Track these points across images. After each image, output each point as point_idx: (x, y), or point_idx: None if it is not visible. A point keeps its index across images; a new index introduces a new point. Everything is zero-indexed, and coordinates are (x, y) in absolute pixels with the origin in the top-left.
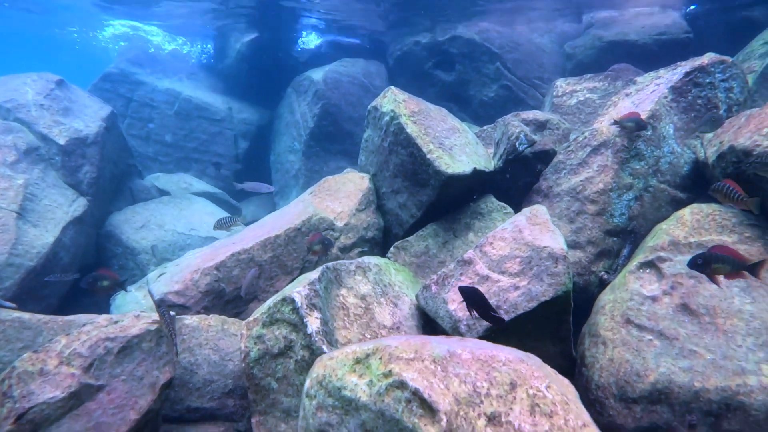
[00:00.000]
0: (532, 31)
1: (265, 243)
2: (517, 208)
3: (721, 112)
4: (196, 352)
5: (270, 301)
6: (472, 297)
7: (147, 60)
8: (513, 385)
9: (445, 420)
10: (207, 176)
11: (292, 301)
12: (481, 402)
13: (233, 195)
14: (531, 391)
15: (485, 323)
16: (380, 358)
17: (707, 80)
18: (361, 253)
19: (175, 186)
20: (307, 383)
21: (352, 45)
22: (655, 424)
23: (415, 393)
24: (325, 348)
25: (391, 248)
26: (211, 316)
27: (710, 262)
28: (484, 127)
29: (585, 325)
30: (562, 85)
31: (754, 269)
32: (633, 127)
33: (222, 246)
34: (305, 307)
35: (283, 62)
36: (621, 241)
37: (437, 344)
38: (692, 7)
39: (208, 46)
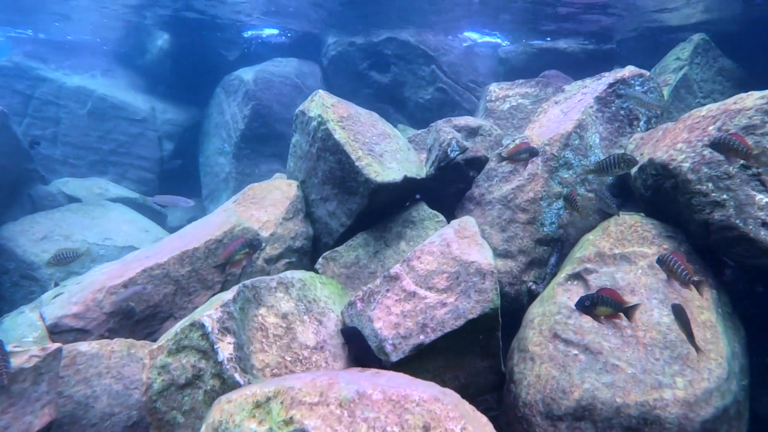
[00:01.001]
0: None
1: (182, 256)
2: (450, 216)
3: (641, 123)
4: (93, 383)
5: (177, 326)
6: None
7: (51, 53)
8: (426, 429)
9: None
10: (128, 179)
11: (202, 326)
12: None
13: None
14: None
15: (412, 343)
16: (281, 402)
17: (628, 92)
18: (289, 264)
19: (87, 192)
20: (203, 430)
21: (285, 44)
22: None
23: None
24: (237, 376)
25: (320, 259)
26: (115, 340)
27: (596, 304)
28: (418, 132)
29: (515, 339)
30: (495, 89)
31: (628, 312)
32: (527, 158)
33: (134, 260)
34: (216, 331)
35: (211, 60)
36: (550, 249)
37: (346, 384)
38: None
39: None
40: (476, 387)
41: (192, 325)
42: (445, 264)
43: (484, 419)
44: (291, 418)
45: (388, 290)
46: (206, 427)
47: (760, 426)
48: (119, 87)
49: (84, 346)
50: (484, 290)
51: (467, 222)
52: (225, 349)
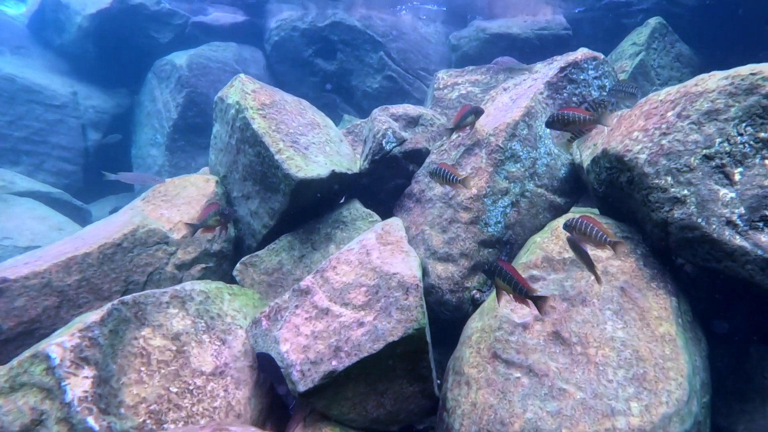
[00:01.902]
0: (417, 19)
1: (68, 263)
2: (388, 214)
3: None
4: None
5: (15, 360)
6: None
7: None
8: None
9: None
10: (45, 171)
11: (47, 357)
12: None
13: (79, 196)
14: None
15: (323, 370)
16: None
17: (581, 77)
18: (206, 270)
19: None
20: None
21: (224, 26)
22: None
23: None
24: (90, 420)
25: (238, 265)
26: None
27: (495, 274)
28: (357, 122)
29: (450, 359)
30: (443, 77)
31: (537, 301)
32: (473, 119)
33: (10, 266)
34: (68, 363)
35: (141, 42)
36: (497, 252)
37: None
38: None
39: (40, 12)
40: (407, 413)
41: (33, 356)
42: (363, 276)
43: None
44: None
45: (297, 306)
46: None
47: None
48: (33, 68)
49: None
50: (407, 308)
51: (392, 225)
52: (77, 385)
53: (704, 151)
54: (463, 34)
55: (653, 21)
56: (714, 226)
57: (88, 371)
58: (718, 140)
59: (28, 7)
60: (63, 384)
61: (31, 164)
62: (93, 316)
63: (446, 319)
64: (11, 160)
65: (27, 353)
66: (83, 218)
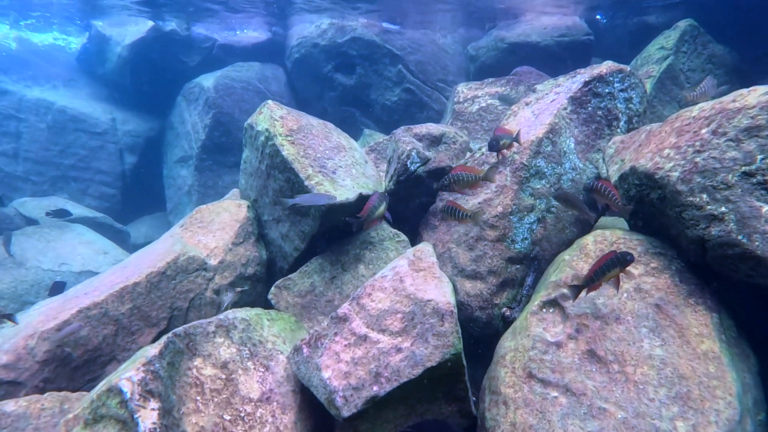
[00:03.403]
0: (434, 31)
1: (121, 293)
2: (414, 233)
3: (621, 123)
4: None
5: (94, 392)
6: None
7: (8, 63)
8: None
9: None
10: (89, 196)
11: (120, 392)
12: None
13: (118, 218)
14: None
15: (364, 396)
16: None
17: (606, 90)
18: (242, 293)
19: (44, 213)
20: None
21: (247, 47)
22: None
23: None
24: None
25: (272, 288)
26: (46, 395)
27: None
28: (380, 140)
29: (485, 378)
30: (463, 90)
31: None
32: (509, 144)
33: (73, 297)
34: (137, 397)
35: (172, 67)
36: (524, 268)
37: None
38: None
39: (87, 46)
40: (446, 429)
41: (109, 390)
42: (398, 302)
43: None
44: None
45: (336, 333)
46: None
47: None
48: (80, 97)
49: (9, 406)
50: (443, 334)
51: (423, 252)
52: (147, 417)
53: (744, 168)
54: (481, 44)
55: (683, 24)
56: (757, 243)
57: (154, 403)
58: (759, 156)
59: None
60: (135, 416)
61: (78, 190)
62: (152, 349)
63: (476, 335)
64: (61, 187)
65: (103, 387)
66: (123, 240)
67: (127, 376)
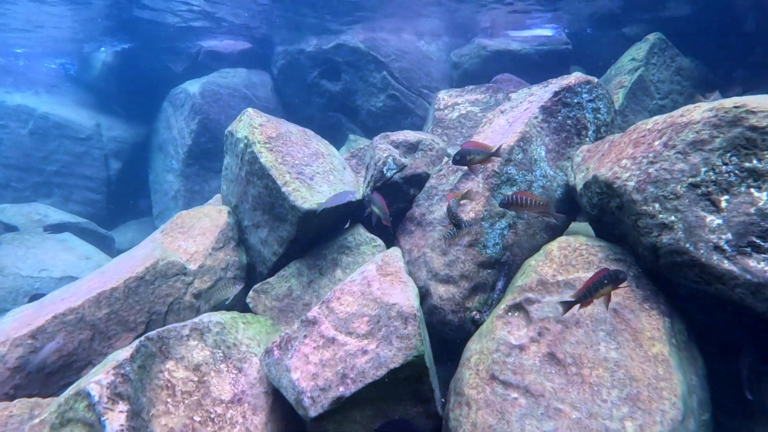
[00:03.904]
0: (419, 38)
1: (98, 298)
2: (391, 238)
3: (590, 132)
4: None
5: (62, 396)
6: None
7: None
8: None
9: None
10: (73, 202)
11: (87, 395)
12: None
13: (104, 224)
14: None
15: (331, 396)
16: None
17: (575, 100)
18: (216, 311)
19: (25, 219)
20: None
21: (233, 54)
22: None
23: None
24: None
25: (250, 292)
26: (15, 401)
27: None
28: (362, 146)
29: (452, 380)
30: (444, 97)
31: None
32: (482, 159)
33: (49, 302)
34: (105, 400)
35: (158, 73)
36: (496, 272)
37: None
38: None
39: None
40: (413, 430)
41: (77, 394)
42: (365, 306)
43: None
44: None
45: (305, 336)
46: None
47: None
48: (64, 104)
49: None
50: (407, 336)
51: (391, 257)
52: (114, 420)
53: (690, 179)
54: (464, 52)
55: (652, 37)
56: (702, 251)
57: (122, 406)
58: (703, 169)
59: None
60: (102, 419)
61: (61, 196)
62: (123, 353)
63: (448, 338)
64: (44, 193)
65: (71, 391)
66: (107, 245)
67: (96, 379)
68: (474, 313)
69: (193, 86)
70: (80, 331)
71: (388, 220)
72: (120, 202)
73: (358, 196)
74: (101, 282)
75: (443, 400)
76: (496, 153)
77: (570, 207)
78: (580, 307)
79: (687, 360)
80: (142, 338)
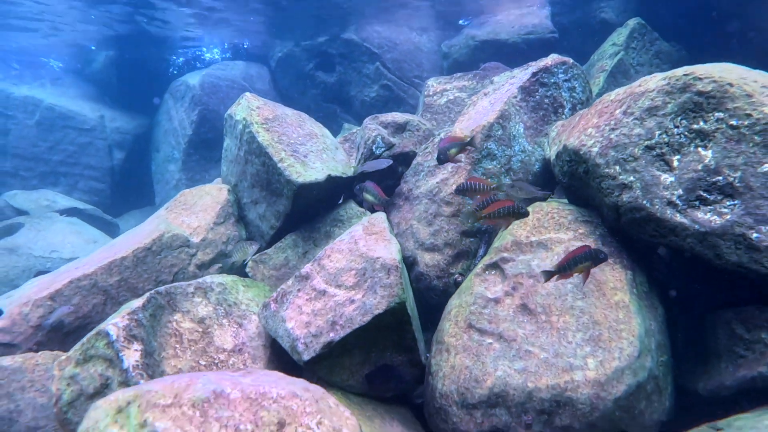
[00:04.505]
0: (410, 29)
1: (110, 266)
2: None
3: (566, 111)
4: (16, 397)
5: (84, 338)
6: None
7: None
8: (281, 425)
9: None
10: (79, 190)
11: (107, 334)
12: None
13: (108, 212)
14: (300, 429)
15: (322, 341)
16: (139, 406)
17: (552, 80)
18: (222, 269)
19: (34, 204)
20: None
21: (232, 47)
22: (495, 427)
23: None
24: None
25: (249, 262)
26: (40, 353)
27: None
28: (354, 130)
29: (435, 332)
30: (433, 84)
31: None
32: (456, 152)
33: (64, 271)
34: (122, 339)
35: (159, 66)
36: (477, 241)
37: (203, 385)
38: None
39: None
40: (397, 381)
41: (98, 334)
42: (353, 261)
43: (347, 413)
44: (145, 420)
45: (299, 290)
46: None
47: (692, 397)
48: (68, 96)
49: (6, 361)
50: (389, 285)
51: (376, 219)
52: (131, 356)
53: (646, 142)
54: (453, 42)
55: (632, 22)
56: (657, 207)
57: (137, 345)
58: (657, 132)
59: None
60: (120, 355)
61: (67, 184)
62: (136, 302)
63: (434, 303)
64: (50, 182)
65: (92, 332)
66: (113, 232)
67: (113, 322)
68: (456, 276)
69: (193, 78)
70: (94, 296)
71: (381, 206)
72: (123, 192)
73: (350, 173)
74: (111, 252)
75: (428, 355)
76: (471, 143)
77: (547, 180)
78: (559, 278)
79: (647, 308)
80: (152, 291)
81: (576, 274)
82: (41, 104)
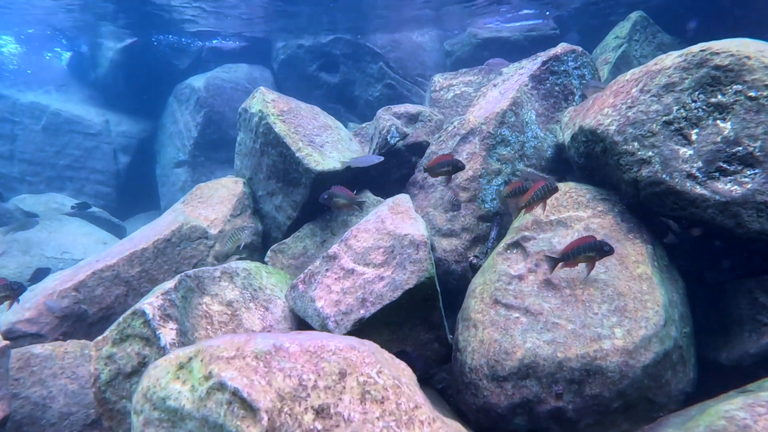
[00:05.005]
0: (412, 30)
1: (131, 257)
2: None
3: (576, 98)
4: (48, 384)
5: (120, 318)
6: None
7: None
8: (342, 374)
9: (266, 418)
10: (85, 194)
11: (143, 313)
12: (308, 395)
13: (115, 213)
14: (361, 379)
15: (353, 318)
16: (201, 360)
17: (562, 68)
18: (239, 260)
19: (44, 207)
20: (134, 398)
21: (235, 50)
22: (526, 398)
23: (235, 393)
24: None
25: (268, 252)
26: (68, 341)
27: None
28: (364, 125)
29: (459, 311)
30: (439, 80)
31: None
32: (449, 171)
33: (85, 264)
34: (158, 318)
35: (163, 70)
36: (492, 224)
37: (263, 339)
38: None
39: (79, 52)
40: (425, 360)
41: (134, 313)
42: (380, 239)
43: (402, 365)
44: (210, 372)
45: (327, 270)
46: (136, 396)
47: (713, 370)
48: (73, 101)
49: (37, 348)
50: (419, 260)
51: (401, 199)
52: (167, 334)
53: (664, 117)
54: (455, 41)
55: (634, 15)
56: (677, 180)
57: (172, 324)
58: (675, 108)
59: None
60: (158, 333)
61: (74, 189)
62: (168, 284)
63: (453, 288)
64: (57, 187)
65: (128, 312)
66: (120, 234)
67: (149, 301)
68: (471, 258)
69: (197, 81)
70: (116, 287)
71: (355, 207)
72: (129, 195)
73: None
74: (132, 245)
75: (451, 336)
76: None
77: (560, 165)
78: (563, 266)
79: (668, 280)
80: (181, 274)
81: (581, 263)
82: (47, 110)
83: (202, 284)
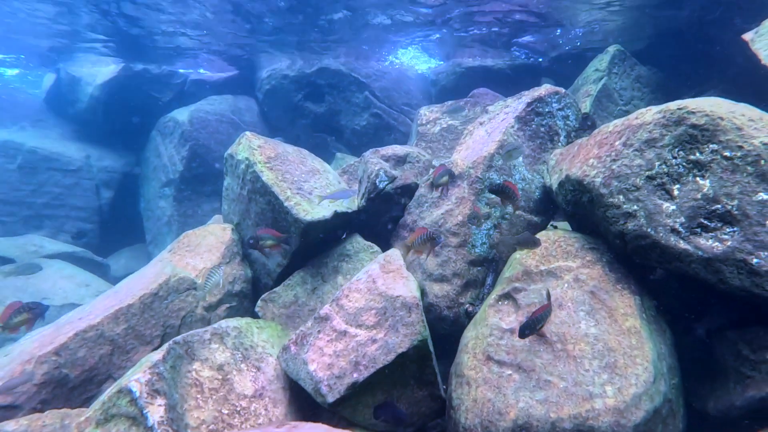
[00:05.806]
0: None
1: (116, 314)
2: (386, 244)
3: (561, 138)
4: None
5: (105, 395)
6: None
7: None
8: None
9: None
10: (65, 232)
11: (129, 392)
12: None
13: (97, 252)
14: None
15: (346, 382)
16: None
17: (546, 109)
18: (230, 309)
19: (20, 251)
20: None
21: (219, 81)
22: None
23: None
24: None
25: (258, 302)
26: (47, 412)
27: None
28: (352, 162)
29: (452, 365)
30: (425, 113)
31: None
32: (447, 180)
33: (67, 323)
34: (145, 395)
35: (145, 104)
36: (485, 269)
37: None
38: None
39: (56, 87)
40: (419, 416)
41: (119, 391)
42: (372, 300)
43: None
44: None
45: (319, 331)
46: None
47: (700, 419)
48: (51, 138)
49: (10, 426)
50: (411, 323)
51: (392, 256)
52: (155, 412)
53: (647, 172)
54: (440, 70)
55: (612, 48)
56: (661, 234)
57: (160, 400)
58: (657, 163)
59: (44, 85)
60: (144, 412)
61: (53, 227)
62: (156, 355)
63: (445, 333)
64: (35, 225)
65: (113, 390)
66: (104, 272)
67: (136, 378)
68: (467, 306)
69: (181, 114)
70: (100, 347)
71: (283, 245)
72: (112, 230)
73: (354, 207)
74: (117, 300)
75: (444, 387)
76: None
77: (548, 207)
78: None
79: (656, 332)
80: (170, 342)
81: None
82: (22, 148)
83: (191, 350)
